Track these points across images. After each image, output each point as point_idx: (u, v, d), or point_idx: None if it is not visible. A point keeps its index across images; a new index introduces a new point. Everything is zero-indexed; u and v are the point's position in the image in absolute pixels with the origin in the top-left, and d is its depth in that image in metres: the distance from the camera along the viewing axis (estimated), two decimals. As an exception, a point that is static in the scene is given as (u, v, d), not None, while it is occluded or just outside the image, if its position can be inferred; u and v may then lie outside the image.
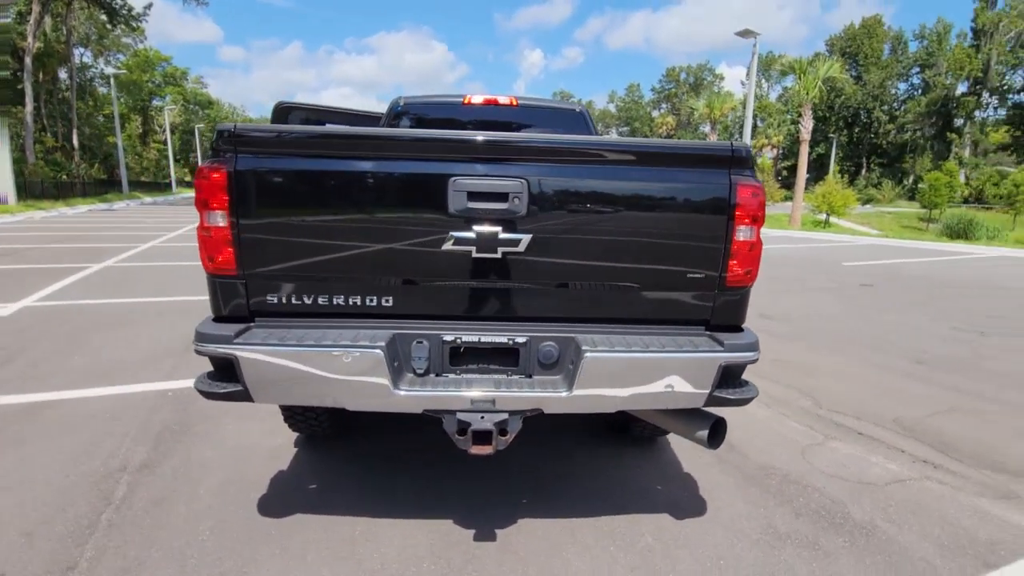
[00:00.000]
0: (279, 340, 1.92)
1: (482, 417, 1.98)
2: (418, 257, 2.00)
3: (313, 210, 1.97)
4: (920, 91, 50.94)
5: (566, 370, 2.08)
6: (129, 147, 48.25)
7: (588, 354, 1.94)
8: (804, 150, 27.08)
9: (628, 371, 1.97)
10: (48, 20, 33.14)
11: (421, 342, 2.05)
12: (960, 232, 22.34)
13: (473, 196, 1.93)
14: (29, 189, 26.53)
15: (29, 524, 2.35)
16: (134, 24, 37.35)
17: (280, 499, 2.60)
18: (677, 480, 2.90)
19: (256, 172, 1.93)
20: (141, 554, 2.18)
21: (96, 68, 44.18)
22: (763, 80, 60.02)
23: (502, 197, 1.94)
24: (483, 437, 1.95)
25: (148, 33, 43.90)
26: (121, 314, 6.08)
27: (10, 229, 15.65)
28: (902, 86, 53.44)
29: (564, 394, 1.98)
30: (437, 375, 2.09)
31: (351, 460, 3.01)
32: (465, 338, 2.06)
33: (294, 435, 3.24)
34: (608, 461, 3.07)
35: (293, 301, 2.03)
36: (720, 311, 2.13)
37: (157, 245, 12.55)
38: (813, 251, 15.31)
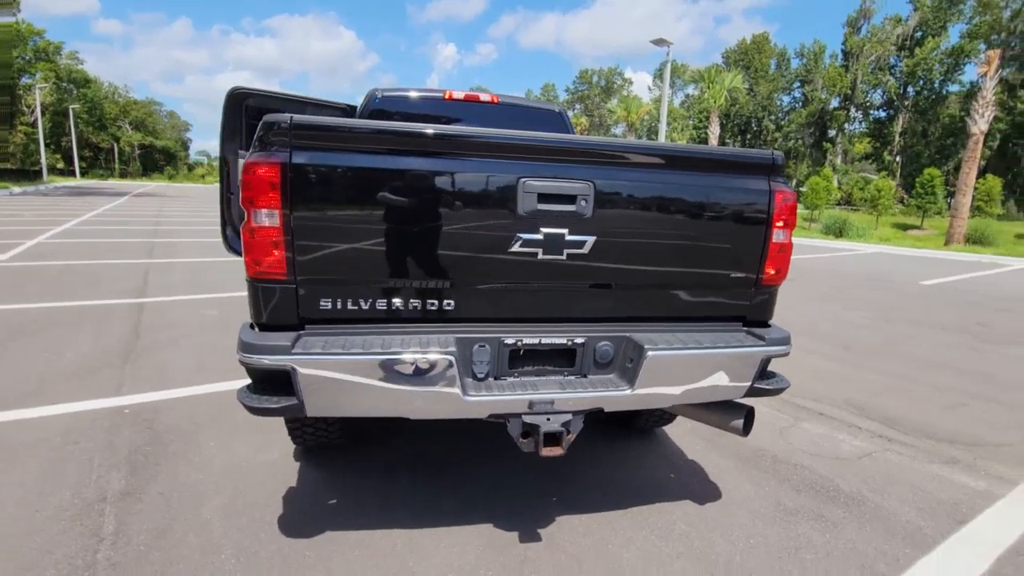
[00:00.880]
0: (342, 349, 1.79)
1: (548, 419, 1.98)
2: (484, 259, 1.96)
3: (374, 209, 1.85)
4: (801, 104, 56.69)
5: (622, 368, 2.13)
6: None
7: (650, 352, 2.00)
8: (709, 154, 29.12)
9: (686, 367, 2.06)
10: None
11: (483, 346, 2.00)
12: (837, 231, 25.33)
13: (543, 198, 1.92)
14: None
15: (12, 573, 2.01)
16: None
17: (302, 517, 2.42)
18: (686, 468, 3.07)
19: (313, 168, 1.78)
20: (163, 592, 1.95)
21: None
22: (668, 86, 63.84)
23: (571, 199, 1.95)
24: (553, 439, 1.96)
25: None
26: (24, 322, 5.29)
27: None
28: (786, 99, 59.21)
29: (627, 392, 2.03)
30: (496, 378, 2.06)
31: (362, 470, 2.87)
32: (526, 340, 2.05)
33: (288, 448, 3.03)
34: (620, 454, 3.17)
35: (349, 306, 1.91)
36: (755, 308, 2.29)
37: (44, 242, 11.00)
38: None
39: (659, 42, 22.87)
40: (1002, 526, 2.59)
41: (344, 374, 1.76)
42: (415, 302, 1.96)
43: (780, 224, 2.20)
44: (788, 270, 2.31)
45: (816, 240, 20.81)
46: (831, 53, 54.94)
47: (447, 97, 4.20)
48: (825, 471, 3.07)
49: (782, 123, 57.61)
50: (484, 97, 4.32)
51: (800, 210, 40.90)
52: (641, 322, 2.20)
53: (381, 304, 1.93)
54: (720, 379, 2.12)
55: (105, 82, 67.55)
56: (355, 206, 1.85)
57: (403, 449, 3.11)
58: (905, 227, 27.86)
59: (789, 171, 58.75)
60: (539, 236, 1.94)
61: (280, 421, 3.34)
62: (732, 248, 2.19)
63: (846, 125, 53.46)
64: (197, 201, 30.20)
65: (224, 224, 5.18)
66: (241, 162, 5.23)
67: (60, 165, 56.48)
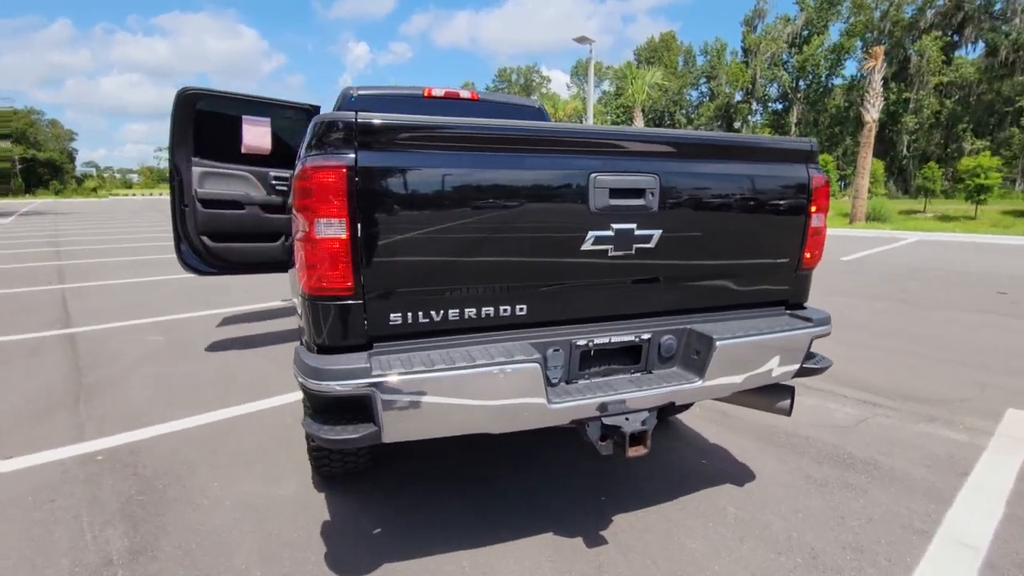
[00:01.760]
0: (426, 366, 1.65)
1: (627, 419, 1.94)
2: (557, 258, 1.88)
3: (446, 213, 1.72)
4: (708, 98, 60.39)
5: (686, 360, 2.13)
6: None
7: (719, 342, 2.01)
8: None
9: (749, 354, 2.09)
10: None
11: (557, 350, 1.93)
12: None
13: (615, 193, 1.87)
14: None
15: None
16: None
17: (351, 553, 2.23)
18: (712, 452, 3.14)
19: (382, 171, 1.63)
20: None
21: None
22: (584, 83, 65.73)
23: (639, 193, 1.91)
24: (636, 438, 1.92)
25: None
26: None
27: None
28: (694, 93, 62.85)
29: (697, 383, 2.04)
30: (568, 382, 1.99)
31: (391, 492, 2.69)
32: (596, 340, 2.00)
33: (303, 478, 2.79)
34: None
35: (420, 319, 1.76)
36: (796, 292, 2.37)
37: (-79, 272, 9.49)
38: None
39: (582, 40, 23.41)
40: (997, 473, 2.86)
41: (436, 394, 1.62)
42: (488, 309, 1.85)
43: (816, 208, 2.29)
44: (822, 253, 2.41)
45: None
46: (732, 50, 58.94)
47: (427, 95, 4.05)
48: (834, 440, 3.25)
49: (692, 116, 61.04)
50: (464, 94, 4.21)
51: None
52: (698, 313, 2.21)
53: (453, 314, 1.80)
54: (776, 363, 2.17)
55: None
56: (427, 210, 1.71)
57: (427, 466, 2.95)
58: (809, 209, 30.48)
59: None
60: (610, 232, 1.89)
61: (281, 450, 3.08)
62: (778, 234, 2.25)
63: (749, 117, 57.56)
64: (94, 218, 27.42)
65: (178, 239, 4.70)
66: (196, 171, 4.76)
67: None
